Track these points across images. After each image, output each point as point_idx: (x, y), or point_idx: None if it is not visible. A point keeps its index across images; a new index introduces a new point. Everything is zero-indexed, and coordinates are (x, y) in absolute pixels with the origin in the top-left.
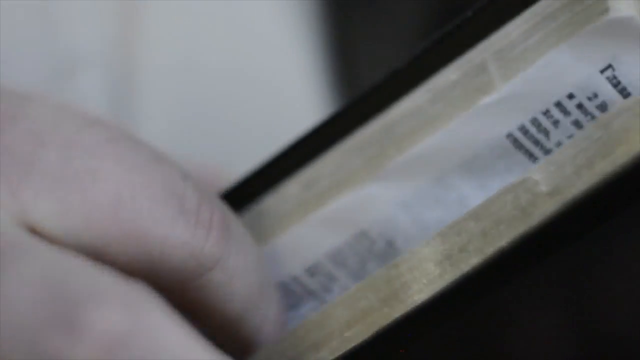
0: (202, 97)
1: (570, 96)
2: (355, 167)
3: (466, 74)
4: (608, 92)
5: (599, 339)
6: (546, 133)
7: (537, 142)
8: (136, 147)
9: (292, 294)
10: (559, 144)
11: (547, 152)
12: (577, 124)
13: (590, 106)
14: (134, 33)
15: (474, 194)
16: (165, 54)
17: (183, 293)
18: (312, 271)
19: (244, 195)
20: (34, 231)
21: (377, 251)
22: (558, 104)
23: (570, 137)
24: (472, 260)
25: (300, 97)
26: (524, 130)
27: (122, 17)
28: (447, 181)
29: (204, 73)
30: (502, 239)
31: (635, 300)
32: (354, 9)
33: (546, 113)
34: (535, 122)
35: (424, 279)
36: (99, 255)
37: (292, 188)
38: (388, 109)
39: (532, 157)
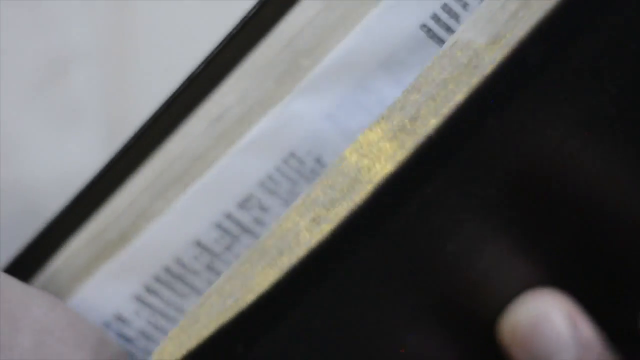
0: None
1: None
2: (266, 87)
3: None
4: None
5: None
6: (456, 17)
7: (448, 28)
8: (87, 332)
9: (226, 233)
10: None
11: None
12: None
13: None
14: (126, 28)
15: (393, 93)
16: (157, 48)
17: None
18: (244, 204)
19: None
20: None
21: (306, 172)
22: None
23: None
24: (430, 122)
25: None
26: (436, 18)
27: (114, 13)
28: (368, 84)
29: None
30: (456, 94)
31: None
32: None
33: None
34: (445, 7)
35: (382, 156)
36: None
37: (198, 125)
38: (280, 22)
39: (443, 43)
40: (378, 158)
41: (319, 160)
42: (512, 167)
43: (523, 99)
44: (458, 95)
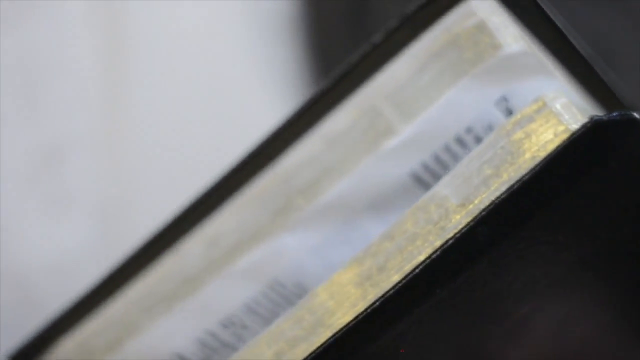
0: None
1: (468, 130)
2: (262, 220)
3: (359, 117)
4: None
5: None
6: (447, 168)
7: (438, 177)
8: None
9: (207, 348)
10: None
11: None
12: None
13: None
14: (119, 119)
15: (376, 230)
16: (149, 139)
17: None
18: (226, 323)
19: (148, 257)
20: None
21: (288, 296)
22: (457, 139)
23: None
24: (393, 279)
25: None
26: (425, 166)
27: (107, 102)
28: (355, 223)
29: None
30: (420, 254)
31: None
32: None
33: (446, 149)
34: (436, 158)
35: (346, 302)
36: None
37: (195, 247)
38: (282, 157)
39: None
40: (342, 303)
41: (301, 286)
42: (461, 338)
43: (476, 269)
44: (421, 255)
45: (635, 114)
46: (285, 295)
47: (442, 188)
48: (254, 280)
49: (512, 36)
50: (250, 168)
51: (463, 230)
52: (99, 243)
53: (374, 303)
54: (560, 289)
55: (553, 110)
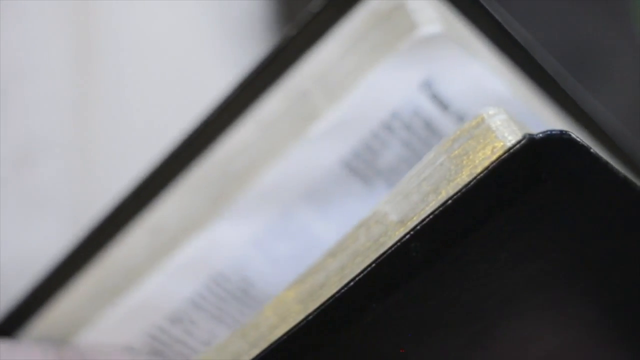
0: None
1: (394, 115)
2: (200, 209)
3: (289, 102)
4: (428, 108)
5: None
6: (376, 154)
7: (369, 165)
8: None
9: (158, 343)
10: (391, 165)
11: (379, 173)
12: (405, 143)
13: (414, 123)
14: (90, 121)
15: (316, 221)
16: (118, 141)
17: None
18: (174, 319)
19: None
20: None
21: (233, 290)
22: (384, 125)
23: (401, 156)
24: (330, 295)
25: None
26: (356, 154)
27: (78, 104)
28: (291, 213)
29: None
30: (359, 270)
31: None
32: None
33: (374, 135)
34: (365, 144)
35: (290, 318)
36: None
37: (137, 237)
38: (217, 144)
39: (365, 179)
40: (285, 318)
41: (246, 280)
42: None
43: (413, 285)
44: (360, 272)
45: (571, 133)
46: (230, 290)
47: (384, 205)
48: (197, 273)
49: (429, 18)
50: (186, 155)
51: (396, 246)
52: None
53: (307, 316)
54: (511, 307)
55: (492, 127)
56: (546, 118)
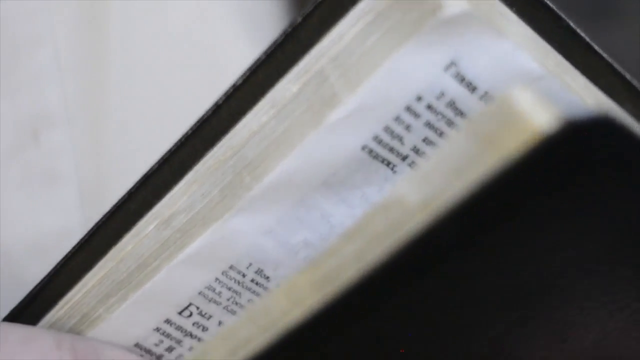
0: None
1: (419, 98)
2: (213, 199)
3: (307, 85)
4: (455, 89)
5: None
6: (400, 139)
7: (392, 149)
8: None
9: (169, 337)
10: (415, 149)
11: (403, 158)
12: (430, 126)
13: (439, 106)
14: (96, 93)
15: (336, 210)
16: (126, 112)
17: None
18: (185, 312)
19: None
20: None
21: (247, 283)
22: (408, 108)
23: (425, 140)
24: (350, 279)
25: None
26: (378, 139)
27: (84, 77)
28: (309, 202)
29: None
30: (375, 256)
31: (509, 309)
32: None
33: (397, 119)
34: (387, 129)
35: (303, 303)
36: None
37: (149, 227)
38: (232, 127)
39: (389, 164)
40: (298, 303)
41: (261, 272)
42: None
43: (440, 272)
44: (379, 255)
45: (613, 115)
46: (243, 283)
47: (403, 187)
48: (208, 266)
49: None
50: (201, 140)
51: (424, 231)
52: (79, 218)
53: (328, 302)
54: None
55: (522, 107)
56: (581, 94)
